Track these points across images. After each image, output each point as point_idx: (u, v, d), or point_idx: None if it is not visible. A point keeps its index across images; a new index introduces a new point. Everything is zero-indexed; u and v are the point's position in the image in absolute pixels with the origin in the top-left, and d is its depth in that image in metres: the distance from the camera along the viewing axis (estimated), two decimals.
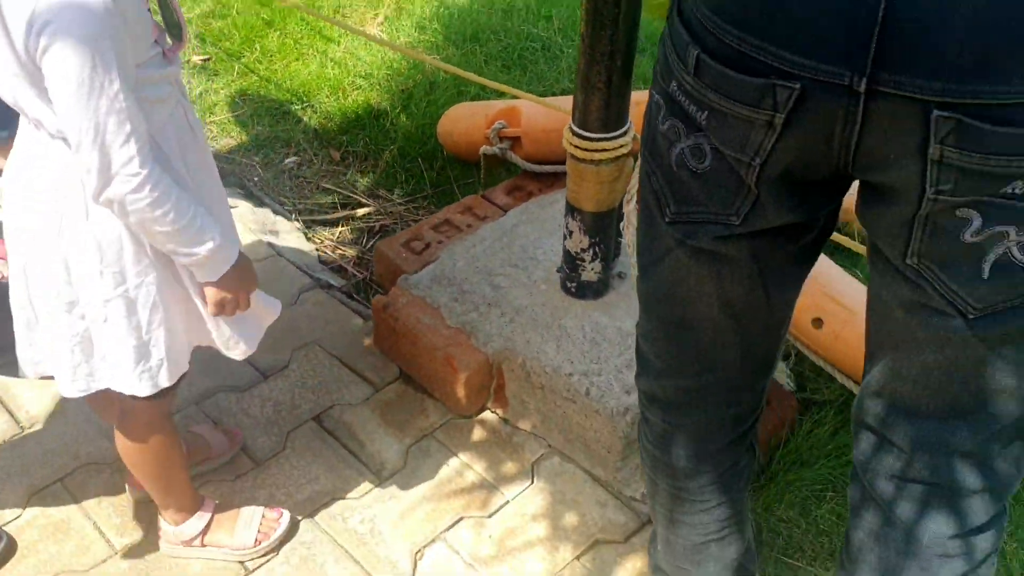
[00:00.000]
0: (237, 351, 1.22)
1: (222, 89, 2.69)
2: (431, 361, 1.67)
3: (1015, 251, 0.75)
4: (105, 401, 1.27)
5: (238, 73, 2.75)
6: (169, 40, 1.09)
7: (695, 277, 0.94)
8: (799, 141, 0.77)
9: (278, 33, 2.89)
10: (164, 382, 1.16)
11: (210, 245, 1.05)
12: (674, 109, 0.84)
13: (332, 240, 2.21)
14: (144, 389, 1.15)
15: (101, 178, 0.95)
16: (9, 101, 1.01)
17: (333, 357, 1.80)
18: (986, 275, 0.77)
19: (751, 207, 0.85)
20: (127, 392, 1.15)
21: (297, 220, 2.25)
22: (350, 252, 2.15)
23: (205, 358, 1.78)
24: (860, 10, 0.67)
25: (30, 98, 0.98)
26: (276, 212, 2.26)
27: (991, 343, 0.82)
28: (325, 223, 2.27)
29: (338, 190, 2.35)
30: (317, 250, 2.17)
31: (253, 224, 2.15)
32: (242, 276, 1.13)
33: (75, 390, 1.16)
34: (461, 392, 1.63)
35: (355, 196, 2.33)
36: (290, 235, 2.18)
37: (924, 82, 0.68)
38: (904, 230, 0.79)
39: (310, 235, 2.22)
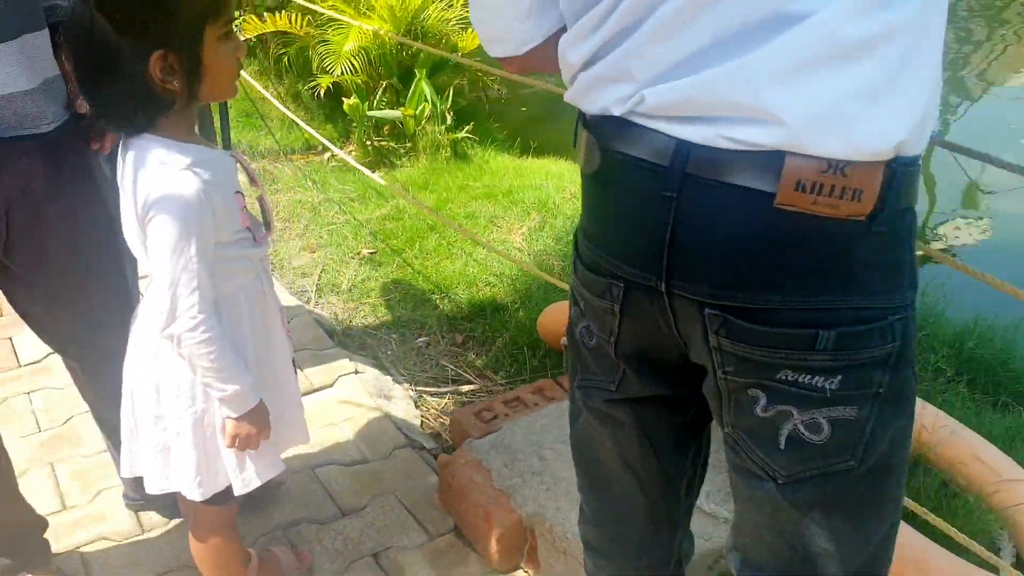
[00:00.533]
0: (239, 481, 1.49)
1: (381, 277, 3.17)
2: (475, 516, 1.89)
3: (802, 428, 0.92)
4: (186, 507, 1.60)
5: (397, 266, 3.24)
6: (263, 230, 1.48)
7: (599, 436, 1.15)
8: (636, 325, 1.00)
9: (437, 236, 3.39)
10: (211, 491, 1.48)
11: (236, 388, 1.37)
12: (575, 300, 1.10)
13: (436, 409, 2.52)
14: (199, 495, 1.47)
15: (168, 317, 1.31)
16: (137, 254, 1.41)
17: (403, 506, 2.07)
18: (782, 446, 0.94)
19: (621, 377, 1.07)
20: (188, 496, 1.48)
21: (411, 389, 2.60)
22: (448, 421, 2.45)
23: (298, 492, 2.11)
24: (656, 235, 0.91)
25: (141, 253, 1.37)
26: (396, 381, 2.62)
27: (802, 508, 0.97)
28: (434, 394, 2.59)
29: (453, 368, 2.69)
30: (422, 416, 2.49)
31: (372, 388, 2.52)
32: (254, 421, 1.42)
33: (156, 488, 1.49)
34: (495, 548, 1.84)
35: (466, 374, 2.66)
36: (401, 401, 2.52)
37: (697, 287, 0.91)
38: (718, 403, 0.98)
39: (419, 403, 2.55)
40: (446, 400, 2.57)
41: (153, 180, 1.28)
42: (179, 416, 1.43)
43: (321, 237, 3.46)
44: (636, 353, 1.03)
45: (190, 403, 1.42)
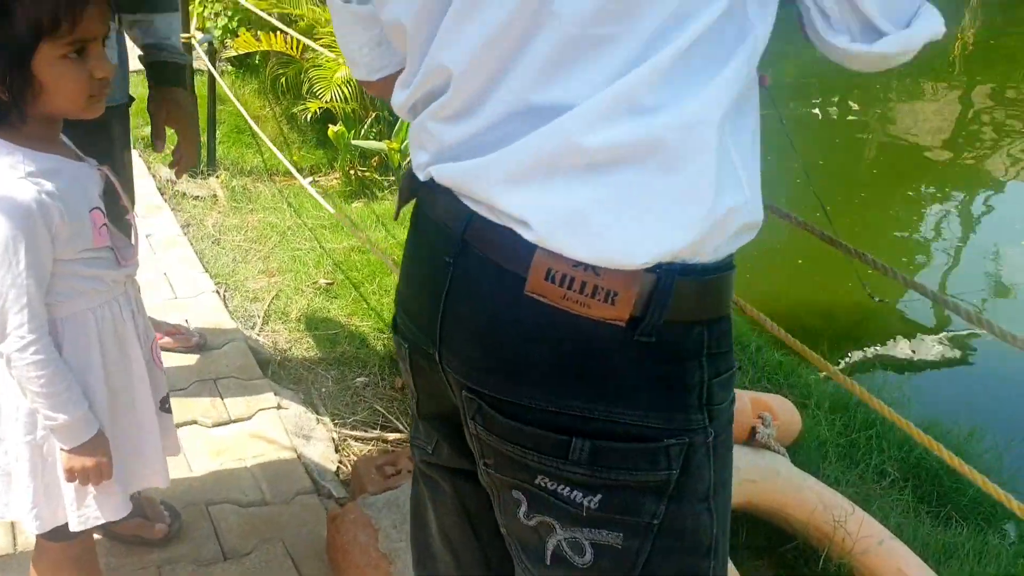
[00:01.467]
0: (75, 516, 1.39)
1: (334, 310, 3.09)
2: None
3: (565, 546, 0.82)
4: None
5: (352, 299, 3.16)
6: (131, 251, 1.41)
7: (424, 499, 1.07)
8: (429, 388, 0.95)
9: (398, 273, 3.30)
10: (50, 524, 1.39)
11: (65, 417, 1.29)
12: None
13: (357, 455, 2.42)
14: (36, 527, 1.38)
15: None
16: None
17: (289, 556, 1.96)
18: (548, 562, 0.85)
19: (436, 441, 1.00)
20: (26, 528, 1.39)
21: (335, 431, 2.50)
22: None
23: (186, 528, 2.01)
24: (435, 300, 0.86)
25: None
26: (320, 420, 2.52)
27: None
28: (358, 439, 2.49)
29: (385, 413, 2.59)
30: (339, 461, 2.39)
31: (292, 426, 2.42)
32: (90, 453, 1.33)
33: None
34: None
35: (396, 422, 2.56)
36: (320, 443, 2.42)
37: (457, 364, 0.85)
38: (494, 497, 0.89)
39: (340, 447, 2.45)
40: (370, 447, 2.47)
41: None
42: (17, 441, 1.35)
43: (283, 262, 3.40)
44: (437, 416, 0.98)
45: (30, 429, 1.34)
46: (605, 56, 0.71)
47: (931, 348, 3.84)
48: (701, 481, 0.81)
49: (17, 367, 1.25)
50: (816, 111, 8.16)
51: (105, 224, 1.34)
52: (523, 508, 0.83)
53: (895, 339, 3.83)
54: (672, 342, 0.78)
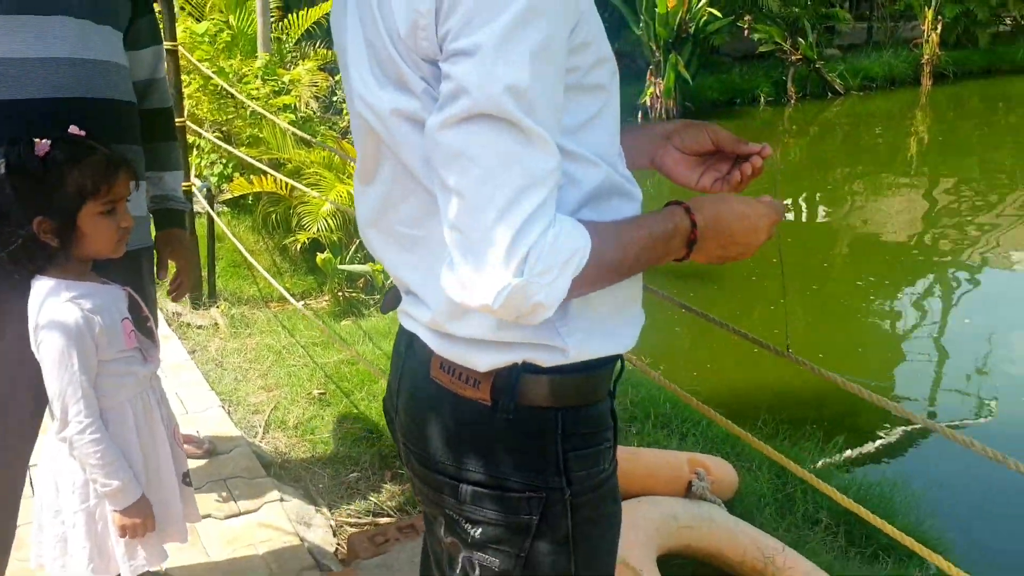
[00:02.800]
0: (126, 567, 1.72)
1: (328, 416, 3.45)
2: None
3: (466, 564, 1.11)
4: None
5: (344, 406, 3.51)
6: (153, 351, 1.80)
7: (424, 546, 1.36)
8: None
9: (384, 381, 3.67)
10: None
11: (118, 483, 1.64)
12: None
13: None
14: None
15: (61, 423, 1.60)
16: None
17: None
18: (457, 573, 1.13)
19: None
20: None
21: (332, 519, 2.82)
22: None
23: None
24: (394, 388, 1.21)
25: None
26: (318, 510, 2.85)
27: None
28: (353, 524, 2.81)
29: (377, 502, 2.92)
30: (337, 543, 2.70)
31: (294, 515, 2.74)
32: (138, 513, 1.68)
33: None
34: None
35: (386, 508, 2.88)
36: (320, 528, 2.74)
37: (399, 427, 1.19)
38: (429, 522, 1.24)
39: (337, 531, 2.77)
40: (364, 530, 2.78)
41: (42, 310, 1.61)
42: (74, 510, 1.69)
43: (280, 378, 3.77)
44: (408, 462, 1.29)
45: (84, 498, 1.69)
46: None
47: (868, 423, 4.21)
48: (559, 529, 1.06)
49: (78, 446, 1.61)
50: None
51: (133, 330, 1.74)
52: (442, 530, 1.14)
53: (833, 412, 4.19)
54: (528, 420, 1.04)
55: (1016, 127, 12.74)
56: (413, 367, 1.13)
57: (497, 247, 0.89)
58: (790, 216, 8.52)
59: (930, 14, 13.39)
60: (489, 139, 0.89)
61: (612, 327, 1.06)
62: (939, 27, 13.47)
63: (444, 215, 0.93)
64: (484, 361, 1.03)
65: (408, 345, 1.15)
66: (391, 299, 1.21)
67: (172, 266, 2.43)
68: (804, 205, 9.24)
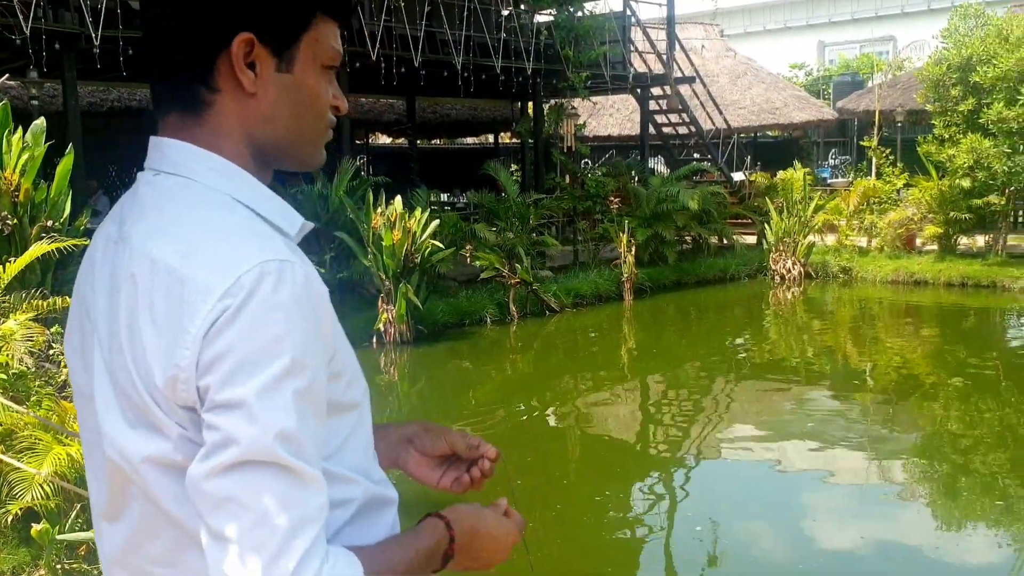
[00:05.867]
0: None
1: None
2: None
3: None
4: None
5: None
6: None
7: None
8: None
9: None
10: None
11: None
12: None
13: None
14: None
15: None
16: None
17: None
18: None
19: None
20: None
21: None
22: None
23: None
24: None
25: None
26: None
27: None
28: None
29: None
30: None
31: None
32: None
33: None
34: None
35: None
36: None
37: None
38: None
39: None
40: None
41: None
42: None
43: None
44: None
45: None
46: None
47: None
48: None
49: None
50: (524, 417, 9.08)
51: None
52: None
53: None
54: None
55: (709, 330, 14.48)
56: None
57: None
58: (526, 418, 8.95)
59: (625, 237, 15.17)
60: (260, 484, 0.91)
61: None
62: (633, 248, 15.26)
63: (213, 563, 0.93)
64: None
65: None
66: None
67: None
68: (536, 414, 9.77)
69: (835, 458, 7.79)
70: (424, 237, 12.02)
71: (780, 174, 18.69)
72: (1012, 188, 15.42)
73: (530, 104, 17.67)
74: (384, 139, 25.44)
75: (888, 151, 18.78)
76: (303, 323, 0.95)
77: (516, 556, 1.33)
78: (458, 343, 12.45)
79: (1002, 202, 15.74)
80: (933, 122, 16.88)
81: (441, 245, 12.44)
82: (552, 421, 9.49)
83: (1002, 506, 6.53)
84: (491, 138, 26.27)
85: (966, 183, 15.63)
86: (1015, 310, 14.67)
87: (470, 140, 28.20)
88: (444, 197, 20.81)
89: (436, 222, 12.44)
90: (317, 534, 0.94)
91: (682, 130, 19.92)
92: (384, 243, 11.41)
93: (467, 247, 13.70)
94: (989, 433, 8.29)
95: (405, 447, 1.35)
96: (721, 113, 20.24)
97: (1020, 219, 17.56)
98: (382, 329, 11.62)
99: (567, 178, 17.32)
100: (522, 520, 1.25)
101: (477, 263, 13.51)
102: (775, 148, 26.36)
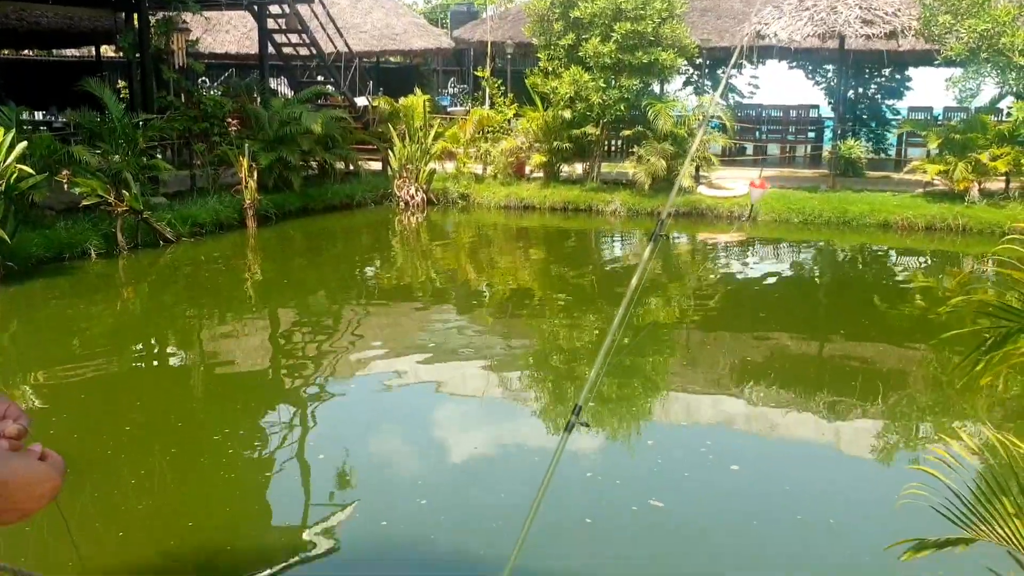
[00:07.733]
0: None
1: None
2: None
3: None
4: None
5: None
6: None
7: None
8: None
9: None
10: None
11: None
12: None
13: None
14: None
15: None
16: None
17: None
18: None
19: None
20: None
21: None
22: None
23: None
24: None
25: None
26: None
27: None
28: None
29: None
30: None
31: None
32: None
33: None
34: None
35: None
36: None
37: None
38: None
39: None
40: None
41: None
42: None
43: None
44: None
45: None
46: None
47: None
48: None
49: None
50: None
51: None
52: None
53: None
54: None
55: (338, 256, 14.46)
56: None
57: None
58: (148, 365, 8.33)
59: (245, 161, 14.51)
60: None
61: None
62: (256, 173, 14.66)
63: None
64: None
65: None
66: None
67: None
68: (156, 353, 9.14)
69: (459, 372, 8.25)
70: (9, 161, 10.52)
71: (402, 100, 19.00)
72: (606, 120, 17.13)
73: (135, 15, 15.99)
74: None
75: (500, 81, 19.89)
76: None
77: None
78: (57, 279, 11.16)
79: (597, 132, 17.44)
80: (539, 55, 18.12)
81: (31, 171, 10.98)
82: (173, 361, 8.93)
83: (613, 408, 7.35)
84: (94, 51, 23.52)
85: (567, 114, 17.08)
86: (606, 231, 16.49)
87: (70, 52, 25.08)
88: (39, 116, 18.49)
89: (24, 143, 10.95)
90: None
91: (303, 51, 19.40)
92: None
93: (64, 172, 12.22)
94: (592, 341, 9.25)
95: None
96: (342, 36, 19.99)
97: (612, 148, 19.63)
98: None
99: (182, 97, 16.08)
100: (61, 460, 1.14)
101: (77, 190, 12.12)
102: (397, 74, 26.72)
